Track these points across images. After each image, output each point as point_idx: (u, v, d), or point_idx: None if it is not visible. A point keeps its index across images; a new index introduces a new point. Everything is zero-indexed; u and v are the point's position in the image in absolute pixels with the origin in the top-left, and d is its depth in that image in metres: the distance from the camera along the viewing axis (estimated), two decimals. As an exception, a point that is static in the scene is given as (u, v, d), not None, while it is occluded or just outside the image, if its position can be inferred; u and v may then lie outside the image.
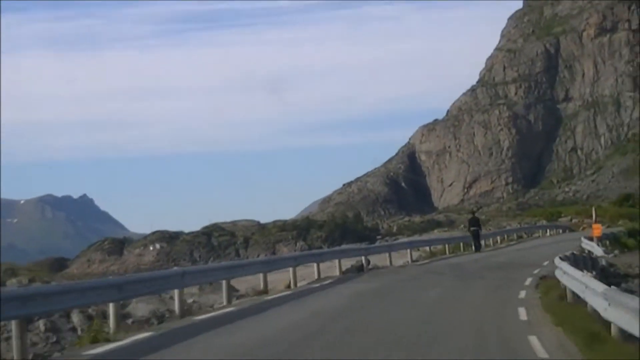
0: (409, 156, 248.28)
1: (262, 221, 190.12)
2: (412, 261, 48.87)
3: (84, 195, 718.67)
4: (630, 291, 27.66)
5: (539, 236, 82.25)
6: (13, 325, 17.53)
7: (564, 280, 24.89)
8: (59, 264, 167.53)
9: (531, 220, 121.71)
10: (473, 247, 58.47)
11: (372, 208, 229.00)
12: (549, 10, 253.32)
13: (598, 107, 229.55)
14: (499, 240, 70.07)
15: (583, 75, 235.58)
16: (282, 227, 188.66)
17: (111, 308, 21.87)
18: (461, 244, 60.93)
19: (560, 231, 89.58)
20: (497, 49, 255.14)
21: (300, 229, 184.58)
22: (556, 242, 65.95)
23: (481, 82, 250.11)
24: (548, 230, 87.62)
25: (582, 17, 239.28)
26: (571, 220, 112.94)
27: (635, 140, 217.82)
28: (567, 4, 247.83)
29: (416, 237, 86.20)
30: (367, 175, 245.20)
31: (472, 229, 59.54)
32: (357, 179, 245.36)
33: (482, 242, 60.74)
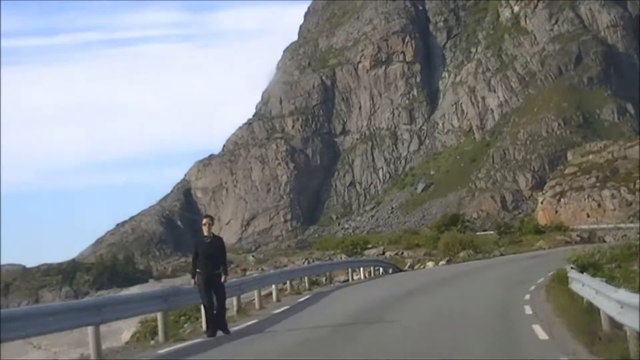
0: (185, 193, 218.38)
1: (29, 265, 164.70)
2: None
3: None
4: None
5: (348, 280, 44.00)
6: None
7: None
8: None
9: (322, 254, 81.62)
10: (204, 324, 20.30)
11: (147, 249, 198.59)
12: (324, 42, 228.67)
13: (375, 140, 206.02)
14: (274, 295, 31.03)
15: (360, 107, 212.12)
16: (46, 272, 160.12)
17: None
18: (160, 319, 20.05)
19: (381, 271, 49.84)
20: (274, 81, 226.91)
21: (66, 273, 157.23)
22: (408, 293, 30.08)
23: (258, 115, 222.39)
24: (362, 270, 47.16)
25: (358, 49, 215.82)
26: (384, 252, 70.96)
27: (412, 174, 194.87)
28: (342, 36, 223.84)
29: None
30: (141, 214, 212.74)
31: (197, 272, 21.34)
32: (131, 218, 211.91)
33: (233, 302, 25.10)
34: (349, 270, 46.36)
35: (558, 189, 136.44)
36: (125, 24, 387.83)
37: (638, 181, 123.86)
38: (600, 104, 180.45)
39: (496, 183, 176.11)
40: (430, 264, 54.73)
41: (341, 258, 66.57)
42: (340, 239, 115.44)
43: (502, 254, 57.82)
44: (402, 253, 68.13)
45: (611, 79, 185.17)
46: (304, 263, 66.99)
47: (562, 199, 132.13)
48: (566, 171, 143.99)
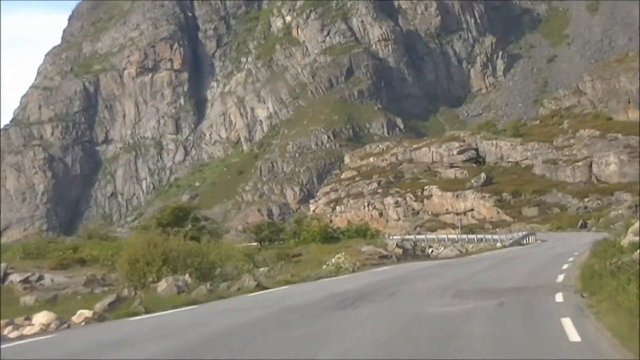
0: None
1: None
2: None
3: None
4: None
5: None
6: None
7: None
8: None
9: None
10: None
11: None
12: (88, 47, 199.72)
13: (140, 149, 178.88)
14: None
15: (124, 116, 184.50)
16: None
17: None
18: None
19: None
20: (33, 86, 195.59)
21: None
22: None
23: (15, 121, 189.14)
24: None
25: (123, 55, 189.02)
26: (5, 275, 27.37)
27: (177, 185, 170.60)
28: (108, 41, 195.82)
29: None
30: None
31: None
32: None
33: None
34: None
35: (333, 195, 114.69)
36: None
37: (427, 187, 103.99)
38: (370, 118, 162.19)
39: (263, 196, 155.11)
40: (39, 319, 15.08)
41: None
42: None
43: (260, 286, 22.86)
44: (41, 278, 27.47)
45: (381, 93, 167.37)
46: None
47: (337, 207, 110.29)
48: (343, 175, 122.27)
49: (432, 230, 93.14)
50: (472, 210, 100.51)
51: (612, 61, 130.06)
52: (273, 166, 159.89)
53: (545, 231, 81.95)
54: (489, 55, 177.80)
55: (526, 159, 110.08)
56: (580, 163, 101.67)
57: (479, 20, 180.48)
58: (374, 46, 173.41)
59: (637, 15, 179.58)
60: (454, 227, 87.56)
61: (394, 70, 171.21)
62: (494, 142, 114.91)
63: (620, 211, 80.00)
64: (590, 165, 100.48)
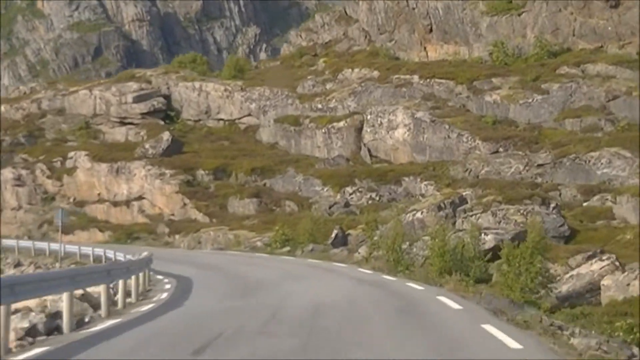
0: None
1: None
2: None
3: None
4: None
5: None
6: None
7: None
8: None
9: None
10: None
11: None
12: None
13: None
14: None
15: None
16: None
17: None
18: None
19: None
20: None
21: None
22: None
23: None
24: None
25: None
26: None
27: None
28: None
29: None
30: None
31: None
32: None
33: None
34: None
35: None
36: None
37: (72, 154, 66.71)
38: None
39: None
40: None
41: None
42: None
43: None
44: None
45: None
46: None
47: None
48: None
49: (70, 230, 57.82)
50: (141, 197, 61.68)
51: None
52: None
53: (262, 246, 45.43)
54: (251, 46, 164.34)
55: (249, 114, 69.11)
56: (341, 123, 61.06)
57: (243, 9, 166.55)
58: (126, 26, 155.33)
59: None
60: (102, 227, 56.46)
61: (147, 54, 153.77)
62: (197, 84, 72.28)
63: (419, 214, 39.80)
64: (360, 129, 60.04)
